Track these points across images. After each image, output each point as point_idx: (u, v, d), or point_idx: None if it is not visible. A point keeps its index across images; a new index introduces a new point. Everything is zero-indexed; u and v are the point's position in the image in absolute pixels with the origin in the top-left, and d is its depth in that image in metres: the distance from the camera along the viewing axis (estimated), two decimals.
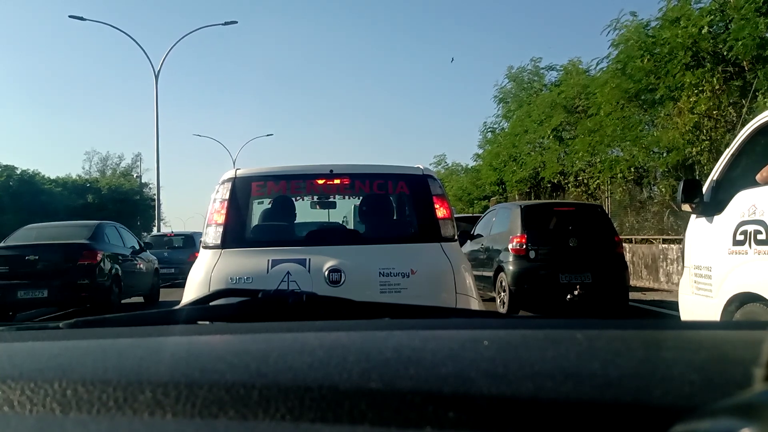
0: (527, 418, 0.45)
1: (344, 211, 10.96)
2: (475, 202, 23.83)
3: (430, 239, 3.17)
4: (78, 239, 8.63)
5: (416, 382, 0.49)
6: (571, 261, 7.60)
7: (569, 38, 58.44)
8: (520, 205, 8.24)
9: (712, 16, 11.22)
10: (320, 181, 3.48)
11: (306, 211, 4.87)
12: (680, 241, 7.19)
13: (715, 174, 3.63)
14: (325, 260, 3.00)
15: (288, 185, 3.50)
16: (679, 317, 3.84)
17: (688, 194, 3.57)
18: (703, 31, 11.00)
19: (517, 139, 19.54)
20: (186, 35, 21.38)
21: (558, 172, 17.51)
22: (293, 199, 3.56)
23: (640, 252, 11.90)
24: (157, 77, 20.59)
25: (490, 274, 8.29)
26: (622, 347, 0.64)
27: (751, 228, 3.08)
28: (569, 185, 17.47)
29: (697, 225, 3.66)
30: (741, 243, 3.14)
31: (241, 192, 3.24)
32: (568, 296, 6.93)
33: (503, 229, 8.25)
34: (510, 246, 7.77)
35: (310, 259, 3.00)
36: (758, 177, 3.15)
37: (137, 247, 10.33)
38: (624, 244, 10.09)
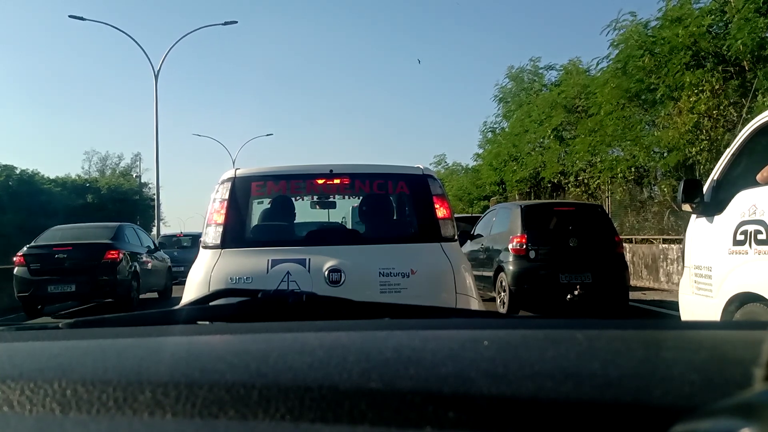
0: (527, 418, 0.45)
1: (344, 211, 10.97)
2: (475, 202, 23.82)
3: (430, 239, 3.17)
4: (101, 239, 9.54)
5: (416, 382, 0.49)
6: (571, 261, 7.60)
7: (569, 38, 58.42)
8: (520, 205, 8.24)
9: (712, 16, 11.23)
10: (320, 181, 3.48)
11: (306, 211, 4.86)
12: (680, 241, 7.19)
13: (715, 174, 3.63)
14: (325, 260, 3.00)
15: (288, 185, 3.50)
16: (679, 317, 3.84)
17: (688, 194, 3.57)
18: (701, 30, 11.01)
19: (517, 139, 19.55)
20: (186, 35, 21.34)
21: (558, 172, 17.51)
22: (293, 199, 3.56)
23: (640, 252, 11.90)
24: (156, 77, 20.58)
25: (490, 274, 8.29)
26: (622, 347, 0.64)
27: (751, 228, 3.08)
28: (569, 185, 17.47)
29: (697, 225, 3.66)
30: (741, 243, 3.14)
31: (240, 192, 3.23)
32: (568, 296, 6.93)
33: (503, 229, 8.25)
34: (510, 246, 7.77)
35: (310, 259, 3.00)
36: (759, 177, 3.15)
37: (152, 247, 11.24)
38: (624, 244, 10.08)
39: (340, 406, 0.46)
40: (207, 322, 0.97)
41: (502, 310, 7.81)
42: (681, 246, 5.12)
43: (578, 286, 7.16)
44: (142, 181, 42.04)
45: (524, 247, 7.64)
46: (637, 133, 13.53)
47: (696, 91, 11.59)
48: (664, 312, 7.91)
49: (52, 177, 32.69)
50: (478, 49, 75.91)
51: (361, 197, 3.76)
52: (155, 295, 11.37)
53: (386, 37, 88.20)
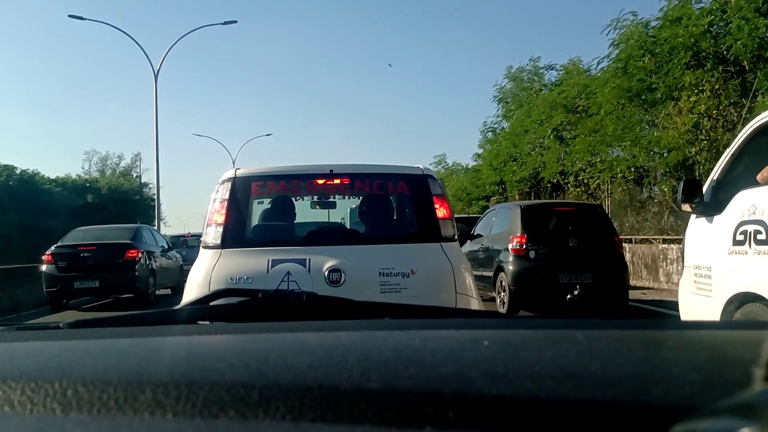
0: (527, 418, 0.45)
1: (344, 211, 10.97)
2: (475, 202, 23.82)
3: (430, 239, 3.17)
4: (122, 239, 10.50)
5: (416, 382, 0.49)
6: (571, 261, 7.59)
7: (569, 38, 58.44)
8: (520, 205, 8.23)
9: (712, 16, 11.23)
10: (320, 181, 3.48)
11: (306, 211, 4.86)
12: (680, 241, 7.19)
13: (715, 174, 3.63)
14: (325, 260, 3.00)
15: (288, 185, 3.50)
16: (679, 317, 3.83)
17: (688, 194, 3.57)
18: (701, 30, 11.01)
19: (517, 139, 19.55)
20: (186, 35, 21.33)
21: (558, 172, 17.51)
22: (293, 199, 3.56)
23: (640, 252, 11.90)
24: (156, 77, 20.57)
25: (490, 274, 8.29)
26: (622, 347, 0.64)
27: (751, 228, 3.08)
28: (569, 185, 17.47)
29: (697, 225, 3.66)
30: (741, 243, 3.14)
31: (240, 192, 3.23)
32: (568, 296, 6.94)
33: (503, 229, 8.25)
34: (510, 246, 7.77)
35: (310, 259, 3.00)
36: (759, 177, 3.14)
37: (166, 247, 12.21)
38: (624, 244, 10.08)
39: (340, 406, 0.46)
40: (207, 322, 0.97)
41: (502, 310, 7.81)
42: (681, 246, 5.12)
43: (578, 286, 7.16)
44: (143, 181, 42.03)
45: (524, 247, 7.64)
46: (637, 133, 13.52)
47: (696, 91, 11.59)
48: (664, 312, 7.91)
49: (52, 177, 32.71)
50: (478, 49, 76.02)
51: (361, 197, 3.76)
52: (168, 291, 12.02)
53: (386, 37, 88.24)
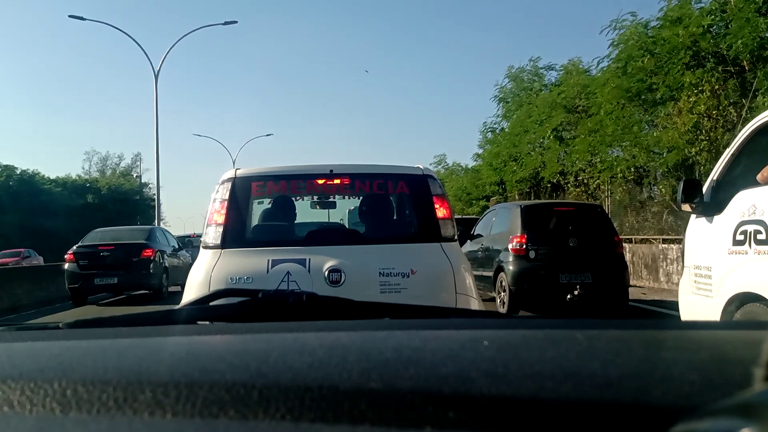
0: (527, 418, 0.45)
1: (344, 212, 10.96)
2: (475, 202, 23.83)
3: (430, 239, 3.17)
4: (138, 239, 11.34)
5: (416, 382, 0.49)
6: (571, 261, 7.59)
7: (569, 38, 58.50)
8: (520, 205, 8.23)
9: (712, 16, 11.23)
10: (320, 181, 3.48)
11: (306, 211, 4.85)
12: (680, 241, 7.18)
13: (715, 174, 3.63)
14: (325, 260, 2.99)
15: (288, 185, 3.49)
16: (679, 317, 3.83)
17: (688, 194, 3.57)
18: (701, 30, 11.01)
19: (517, 139, 19.56)
20: (186, 35, 21.35)
21: (558, 172, 17.52)
22: (293, 199, 3.56)
23: (640, 252, 11.89)
24: (157, 77, 20.57)
25: (490, 274, 8.29)
26: (622, 347, 0.64)
27: (751, 228, 3.08)
28: (569, 185, 17.47)
29: (697, 225, 3.65)
30: (741, 243, 3.13)
31: (241, 192, 3.23)
32: (568, 296, 6.94)
33: (503, 229, 8.25)
34: (510, 246, 7.76)
35: (310, 259, 3.00)
36: (759, 177, 3.14)
37: (177, 246, 13.04)
38: (624, 244, 10.08)
39: (340, 406, 0.46)
40: (207, 322, 0.97)
41: (502, 310, 7.81)
42: (681, 246, 5.12)
43: (578, 286, 7.16)
44: (143, 181, 42.04)
45: (524, 247, 7.64)
46: (636, 133, 13.53)
47: (696, 91, 11.59)
48: (664, 312, 7.91)
49: (52, 177, 32.73)
50: (478, 49, 76.05)
51: (361, 197, 3.76)
52: (179, 288, 12.80)
53: (386, 37, 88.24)
